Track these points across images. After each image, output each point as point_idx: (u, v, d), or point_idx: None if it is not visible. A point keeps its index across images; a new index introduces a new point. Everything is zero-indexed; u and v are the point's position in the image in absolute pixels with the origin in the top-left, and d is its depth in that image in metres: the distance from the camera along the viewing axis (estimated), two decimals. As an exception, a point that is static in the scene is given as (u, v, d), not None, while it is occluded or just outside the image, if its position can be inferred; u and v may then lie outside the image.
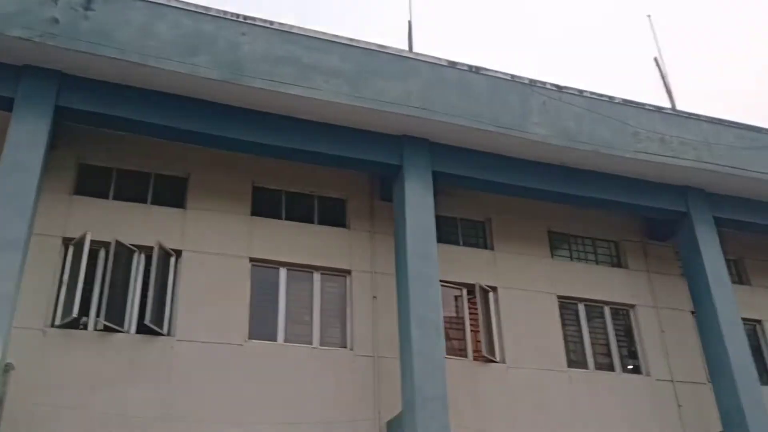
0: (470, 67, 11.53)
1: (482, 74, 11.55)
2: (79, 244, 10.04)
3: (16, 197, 9.02)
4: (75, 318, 9.59)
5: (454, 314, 11.76)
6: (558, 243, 13.07)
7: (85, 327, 9.77)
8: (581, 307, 12.59)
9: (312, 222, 11.65)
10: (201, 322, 10.16)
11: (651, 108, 12.52)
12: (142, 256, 10.40)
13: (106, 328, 9.75)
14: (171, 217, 10.77)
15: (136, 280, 10.21)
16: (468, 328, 11.58)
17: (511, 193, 12.16)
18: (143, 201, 10.88)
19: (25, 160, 9.26)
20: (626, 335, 12.75)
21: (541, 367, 11.59)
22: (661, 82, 14.06)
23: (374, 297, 11.17)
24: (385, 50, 11.11)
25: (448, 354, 10.80)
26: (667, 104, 13.32)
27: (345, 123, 10.88)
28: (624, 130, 12.02)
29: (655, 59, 14.25)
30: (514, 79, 11.72)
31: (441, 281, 10.83)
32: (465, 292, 11.87)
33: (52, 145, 9.95)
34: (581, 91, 12.09)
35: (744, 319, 12.26)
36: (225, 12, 10.43)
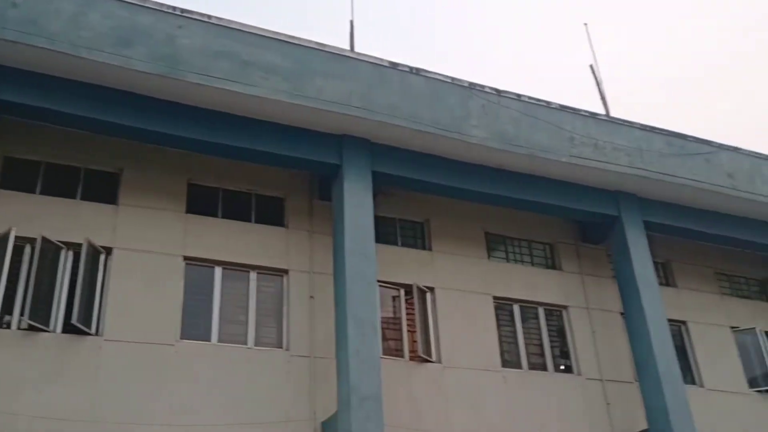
0: (411, 68, 11.57)
1: (423, 76, 11.62)
2: (3, 240, 9.64)
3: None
4: (-3, 316, 9.23)
5: (391, 314, 11.79)
6: (494, 244, 13.25)
7: (9, 326, 9.42)
8: (516, 308, 12.79)
9: (249, 220, 11.48)
10: (131, 321, 9.90)
11: (586, 114, 12.82)
12: (70, 254, 10.06)
13: (31, 327, 9.40)
14: (102, 214, 10.46)
15: (63, 278, 9.89)
16: (405, 329, 11.63)
17: (449, 195, 12.28)
18: (72, 196, 10.52)
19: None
20: (559, 335, 13.03)
21: (476, 367, 11.72)
22: (596, 88, 14.42)
23: (311, 297, 11.09)
24: (326, 48, 11.04)
25: (384, 354, 10.85)
26: (602, 111, 13.69)
27: (284, 121, 10.78)
28: (560, 135, 12.26)
29: (591, 66, 14.62)
30: (454, 82, 11.82)
31: (379, 281, 10.86)
32: (403, 292, 11.91)
33: (-24, 137, 9.55)
34: (519, 96, 12.27)
35: (670, 320, 12.64)
36: (161, 4, 10.18)
